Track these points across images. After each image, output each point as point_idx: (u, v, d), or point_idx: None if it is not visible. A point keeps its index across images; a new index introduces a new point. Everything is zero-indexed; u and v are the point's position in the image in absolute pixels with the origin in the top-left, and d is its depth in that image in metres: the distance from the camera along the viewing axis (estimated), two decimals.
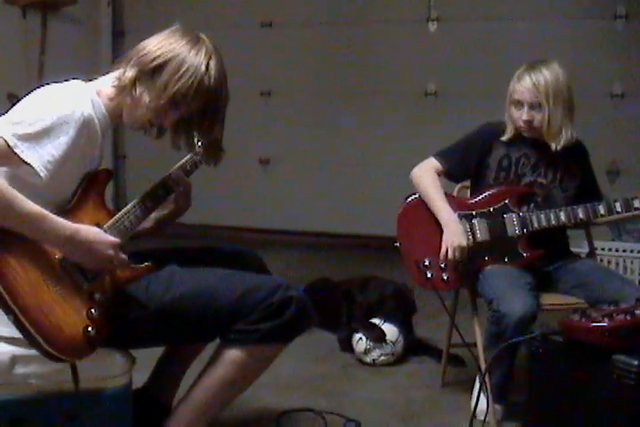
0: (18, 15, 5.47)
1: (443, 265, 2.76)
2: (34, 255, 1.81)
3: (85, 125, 1.91)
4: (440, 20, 5.86)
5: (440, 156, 2.88)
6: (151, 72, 1.98)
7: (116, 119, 2.08)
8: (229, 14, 6.28)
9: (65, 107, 1.89)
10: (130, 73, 1.99)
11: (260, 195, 6.34)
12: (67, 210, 1.94)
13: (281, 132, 6.27)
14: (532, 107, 2.70)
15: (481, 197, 2.82)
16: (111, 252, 1.91)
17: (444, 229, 2.76)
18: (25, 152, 1.80)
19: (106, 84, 2.04)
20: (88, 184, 2.03)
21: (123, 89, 2.00)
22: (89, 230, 1.89)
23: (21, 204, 1.76)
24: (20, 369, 1.92)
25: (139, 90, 1.99)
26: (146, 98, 1.99)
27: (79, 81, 2.03)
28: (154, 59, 1.98)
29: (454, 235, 2.74)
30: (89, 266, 1.91)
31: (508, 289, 2.56)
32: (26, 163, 1.81)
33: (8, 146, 1.79)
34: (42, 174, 1.83)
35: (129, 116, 2.04)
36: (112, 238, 1.93)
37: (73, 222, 1.87)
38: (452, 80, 5.83)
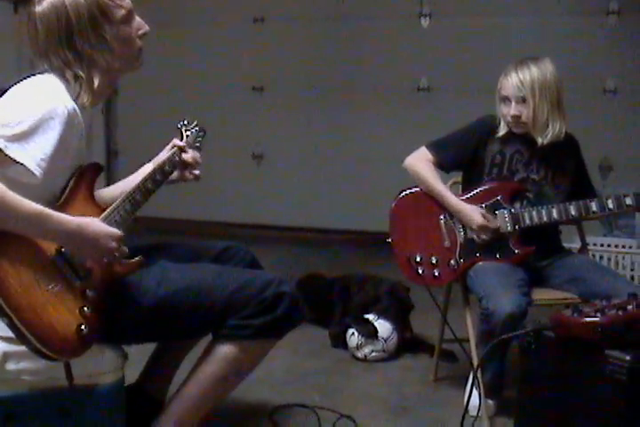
0: (9, 10, 5.46)
1: (434, 261, 2.77)
2: (24, 255, 1.80)
3: (70, 118, 1.89)
4: (432, 15, 5.85)
5: (432, 146, 2.88)
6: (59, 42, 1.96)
7: (96, 101, 2.06)
8: (222, 10, 6.26)
9: (47, 102, 1.87)
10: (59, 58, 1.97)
11: (252, 190, 6.33)
12: (56, 206, 1.93)
13: (274, 128, 6.26)
14: (518, 102, 2.72)
15: (473, 193, 2.82)
16: (114, 244, 1.91)
17: (459, 215, 2.77)
18: (16, 153, 1.79)
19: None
20: (77, 179, 2.02)
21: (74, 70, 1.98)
22: (92, 224, 1.89)
23: (22, 205, 1.75)
24: (12, 366, 1.92)
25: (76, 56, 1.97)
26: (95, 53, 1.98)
27: (50, 75, 1.98)
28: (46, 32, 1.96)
29: (472, 215, 2.75)
30: (91, 258, 1.91)
31: (497, 286, 2.57)
32: (19, 163, 1.79)
33: None
34: (37, 173, 1.81)
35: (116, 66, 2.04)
36: (114, 230, 1.93)
37: None
38: (444, 75, 5.83)
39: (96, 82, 1.99)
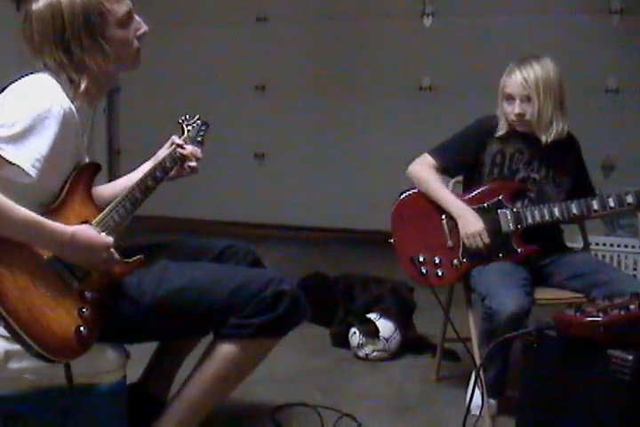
0: (12, 8, 5.44)
1: (437, 261, 2.77)
2: (20, 257, 1.78)
3: (66, 118, 1.87)
4: (435, 14, 5.85)
5: (435, 152, 2.88)
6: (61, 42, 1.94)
7: (93, 100, 2.05)
8: (224, 9, 6.27)
9: (42, 102, 1.85)
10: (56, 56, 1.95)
11: (255, 189, 6.33)
12: (54, 207, 1.92)
13: (276, 127, 6.26)
14: (522, 100, 2.71)
15: (475, 192, 2.82)
16: (105, 255, 1.91)
17: (459, 220, 2.75)
18: (10, 155, 1.77)
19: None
20: (75, 179, 2.00)
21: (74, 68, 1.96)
22: (85, 233, 1.87)
23: (17, 213, 1.74)
24: (14, 364, 1.91)
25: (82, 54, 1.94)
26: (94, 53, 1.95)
27: (46, 74, 1.96)
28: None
29: (472, 222, 2.73)
30: (85, 266, 1.90)
31: (500, 286, 2.56)
32: (13, 164, 1.78)
33: None
34: (32, 173, 1.79)
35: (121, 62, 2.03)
36: (104, 240, 1.91)
37: (61, 220, 1.86)
38: (446, 75, 5.83)
39: (83, 86, 1.95)
